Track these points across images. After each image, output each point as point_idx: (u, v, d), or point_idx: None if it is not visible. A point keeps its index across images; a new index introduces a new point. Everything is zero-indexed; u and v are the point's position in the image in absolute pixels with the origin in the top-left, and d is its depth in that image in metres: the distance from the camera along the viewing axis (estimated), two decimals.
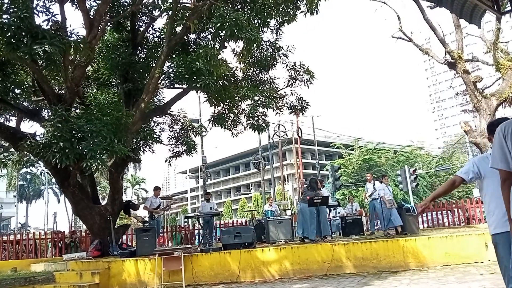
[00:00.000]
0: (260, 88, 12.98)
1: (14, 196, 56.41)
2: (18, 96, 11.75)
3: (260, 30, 12.16)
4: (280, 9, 12.20)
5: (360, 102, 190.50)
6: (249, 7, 11.95)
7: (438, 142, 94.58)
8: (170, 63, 12.07)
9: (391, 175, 38.29)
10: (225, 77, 12.41)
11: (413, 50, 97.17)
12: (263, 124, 13.69)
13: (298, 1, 12.17)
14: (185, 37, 12.13)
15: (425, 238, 9.18)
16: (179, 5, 10.96)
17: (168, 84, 13.11)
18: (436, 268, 8.54)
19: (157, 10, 11.69)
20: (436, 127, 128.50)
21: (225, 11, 9.99)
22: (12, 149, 11.64)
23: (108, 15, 11.80)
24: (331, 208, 13.91)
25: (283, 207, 21.16)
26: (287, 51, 13.51)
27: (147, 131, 13.16)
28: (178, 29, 11.50)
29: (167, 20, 11.33)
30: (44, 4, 8.98)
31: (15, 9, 7.92)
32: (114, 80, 13.42)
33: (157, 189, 12.77)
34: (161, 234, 14.38)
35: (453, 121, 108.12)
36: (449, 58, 14.46)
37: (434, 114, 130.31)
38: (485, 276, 6.97)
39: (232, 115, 13.68)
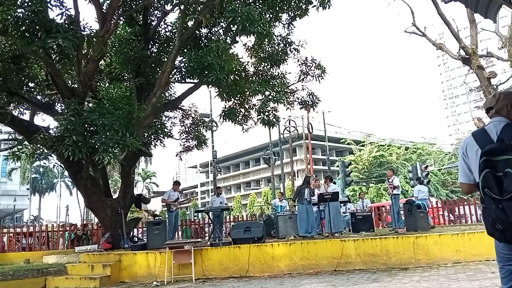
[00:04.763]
0: (271, 83, 12.95)
1: (27, 189, 57.29)
2: (32, 89, 11.89)
3: (272, 24, 12.11)
4: (292, 3, 12.13)
5: (372, 97, 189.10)
6: (261, 1, 11.89)
7: (451, 139, 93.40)
8: (181, 58, 12.11)
9: (402, 172, 38.09)
10: (236, 72, 12.41)
11: (426, 45, 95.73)
12: (274, 119, 13.66)
13: None
14: (196, 31, 12.14)
15: (436, 235, 9.10)
16: None
17: (179, 78, 13.18)
18: (446, 265, 8.48)
19: (169, 4, 11.70)
20: (448, 123, 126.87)
21: (237, 5, 9.96)
22: (26, 142, 11.80)
23: (120, 9, 11.86)
24: (341, 204, 13.81)
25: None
26: (298, 45, 13.46)
27: (159, 125, 13.23)
28: (190, 23, 11.51)
29: (179, 15, 11.34)
30: None
31: (30, 3, 7.99)
32: (126, 74, 13.51)
33: (176, 183, 12.85)
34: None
35: (466, 118, 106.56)
36: (463, 54, 14.28)
37: (447, 111, 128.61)
38: (496, 274, 6.83)
39: (243, 110, 13.70)
